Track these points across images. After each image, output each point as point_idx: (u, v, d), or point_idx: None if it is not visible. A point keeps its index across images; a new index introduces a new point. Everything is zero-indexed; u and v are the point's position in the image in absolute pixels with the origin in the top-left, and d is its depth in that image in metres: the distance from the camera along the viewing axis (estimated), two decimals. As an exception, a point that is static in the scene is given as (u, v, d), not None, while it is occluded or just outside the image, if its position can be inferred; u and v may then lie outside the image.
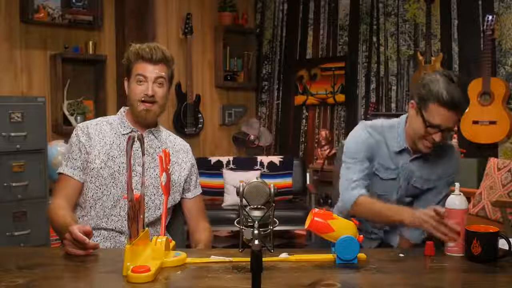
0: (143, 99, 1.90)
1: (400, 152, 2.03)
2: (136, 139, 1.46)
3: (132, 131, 1.94)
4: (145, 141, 1.93)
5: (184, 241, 2.09)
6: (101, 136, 1.94)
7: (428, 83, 1.87)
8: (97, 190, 1.89)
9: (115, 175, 1.89)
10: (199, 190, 2.08)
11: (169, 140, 2.05)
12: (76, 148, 1.92)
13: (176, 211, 2.04)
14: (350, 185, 1.99)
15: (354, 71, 4.85)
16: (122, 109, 2.02)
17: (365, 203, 1.96)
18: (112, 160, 1.90)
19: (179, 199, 2.01)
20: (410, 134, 2.00)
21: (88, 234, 1.52)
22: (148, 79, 1.91)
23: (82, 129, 1.95)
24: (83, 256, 1.49)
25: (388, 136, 2.05)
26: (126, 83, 1.98)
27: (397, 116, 2.12)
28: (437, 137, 1.88)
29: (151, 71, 1.92)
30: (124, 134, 1.94)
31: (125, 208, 1.82)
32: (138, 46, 1.95)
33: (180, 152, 2.05)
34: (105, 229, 1.86)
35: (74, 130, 1.97)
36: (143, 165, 1.59)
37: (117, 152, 1.92)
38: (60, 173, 1.94)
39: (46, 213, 1.92)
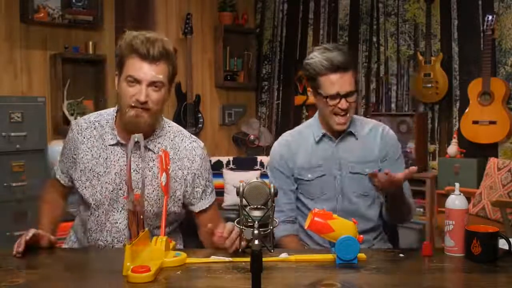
0: (133, 104, 1.59)
1: (320, 140, 1.95)
2: (136, 140, 1.46)
3: (118, 143, 1.70)
4: (136, 156, 1.65)
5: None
6: (89, 144, 1.72)
7: (306, 62, 1.87)
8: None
9: (97, 196, 1.70)
10: (206, 203, 1.82)
11: (172, 146, 1.75)
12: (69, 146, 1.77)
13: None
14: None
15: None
16: (116, 108, 1.77)
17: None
18: (97, 179, 1.70)
19: (179, 211, 1.79)
20: (322, 117, 1.93)
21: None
22: (142, 82, 1.58)
23: (78, 129, 1.77)
24: (83, 255, 1.48)
25: (305, 133, 1.99)
26: (116, 80, 1.68)
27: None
28: (342, 104, 1.82)
29: (146, 71, 1.57)
30: (111, 145, 1.70)
31: (111, 233, 1.73)
32: (133, 36, 1.59)
33: (184, 160, 1.74)
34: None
35: (72, 125, 1.81)
36: (142, 168, 1.58)
37: (102, 168, 1.69)
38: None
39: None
